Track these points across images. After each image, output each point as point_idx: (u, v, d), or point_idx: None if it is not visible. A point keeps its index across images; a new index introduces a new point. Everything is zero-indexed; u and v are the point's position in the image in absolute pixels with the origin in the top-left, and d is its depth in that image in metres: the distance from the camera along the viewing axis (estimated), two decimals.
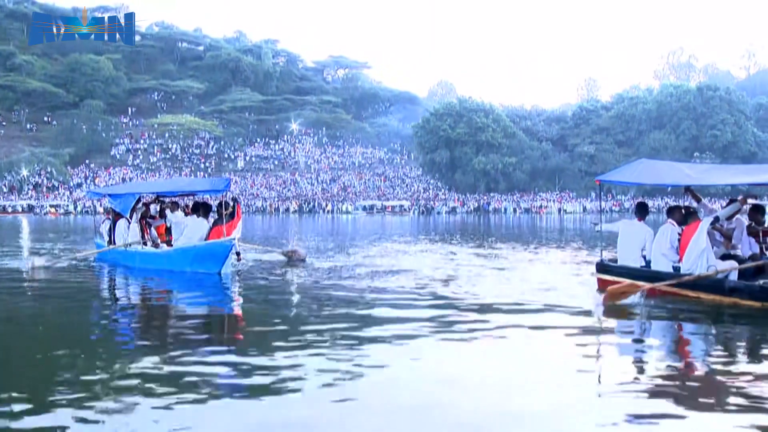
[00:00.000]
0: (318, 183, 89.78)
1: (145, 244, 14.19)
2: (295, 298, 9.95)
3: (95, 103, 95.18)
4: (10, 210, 73.34)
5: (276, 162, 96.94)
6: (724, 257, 8.88)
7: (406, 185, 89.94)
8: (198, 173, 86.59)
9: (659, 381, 5.20)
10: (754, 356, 6.18)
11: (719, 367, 5.69)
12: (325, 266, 13.84)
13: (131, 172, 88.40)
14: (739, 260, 8.75)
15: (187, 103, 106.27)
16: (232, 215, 12.92)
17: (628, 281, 8.84)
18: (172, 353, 6.14)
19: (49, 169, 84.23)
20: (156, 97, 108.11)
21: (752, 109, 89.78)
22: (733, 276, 8.34)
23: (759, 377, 5.27)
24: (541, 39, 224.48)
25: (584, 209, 77.01)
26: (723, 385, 5.11)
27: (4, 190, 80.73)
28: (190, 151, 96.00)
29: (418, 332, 6.91)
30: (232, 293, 10.97)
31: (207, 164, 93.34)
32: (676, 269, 8.95)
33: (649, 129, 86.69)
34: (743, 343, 6.76)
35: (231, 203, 13.28)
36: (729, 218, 9.15)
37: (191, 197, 17.58)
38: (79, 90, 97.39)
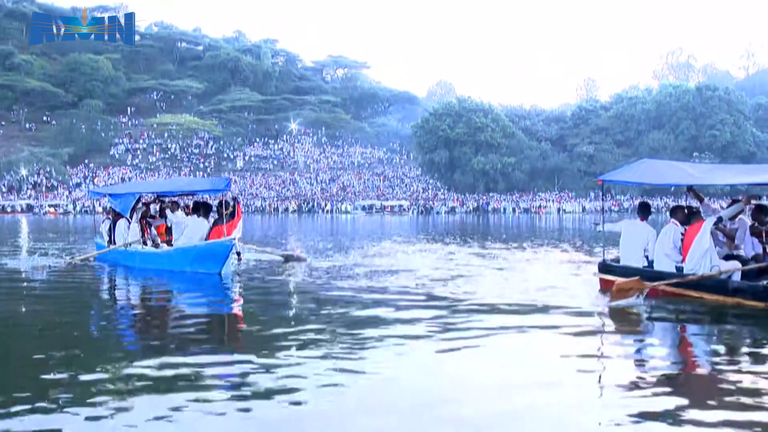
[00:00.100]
0: (317, 183, 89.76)
1: (145, 243, 14.18)
2: (295, 298, 9.95)
3: (94, 102, 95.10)
4: (9, 210, 73.28)
5: (275, 162, 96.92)
6: (727, 257, 8.85)
7: (405, 185, 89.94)
8: (197, 173, 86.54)
9: (661, 382, 5.18)
10: (758, 357, 6.15)
11: (722, 367, 5.67)
12: (325, 266, 13.84)
13: (130, 171, 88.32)
14: (742, 260, 8.73)
15: (186, 102, 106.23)
16: (232, 215, 12.91)
17: (635, 279, 8.85)
18: (172, 354, 6.13)
19: (48, 169, 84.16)
20: (155, 97, 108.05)
21: (751, 109, 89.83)
22: (737, 276, 8.32)
23: (763, 378, 5.25)
24: (540, 39, 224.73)
25: (583, 209, 77.02)
26: (726, 386, 5.09)
27: (3, 189, 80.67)
28: (189, 150, 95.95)
29: (418, 333, 6.90)
30: (232, 294, 10.95)
31: (206, 164, 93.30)
32: (679, 269, 8.93)
33: (648, 129, 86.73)
34: (747, 344, 6.72)
35: (231, 203, 13.27)
36: (732, 218, 9.13)
37: (191, 197, 17.57)
38: (78, 90, 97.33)
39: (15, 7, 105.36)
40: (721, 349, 6.55)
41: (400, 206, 79.10)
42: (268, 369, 5.45)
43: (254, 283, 11.71)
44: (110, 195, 15.66)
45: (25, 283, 12.13)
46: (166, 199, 14.95)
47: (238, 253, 12.41)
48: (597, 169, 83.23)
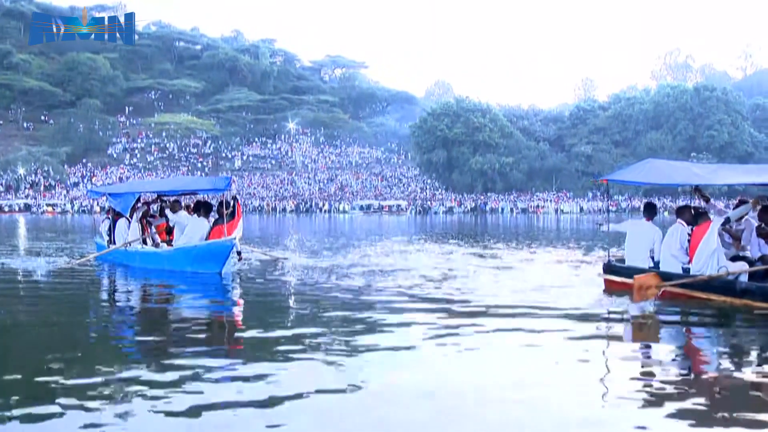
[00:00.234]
0: (315, 182, 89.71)
1: (145, 243, 14.16)
2: (295, 299, 9.91)
3: (92, 102, 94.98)
4: (6, 209, 73.13)
5: (273, 161, 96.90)
6: (734, 259, 8.79)
7: (403, 185, 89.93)
8: (195, 172, 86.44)
9: (668, 384, 5.13)
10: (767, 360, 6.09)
11: (730, 370, 5.65)
12: (323, 266, 13.83)
13: (128, 171, 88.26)
14: (749, 262, 8.68)
15: (184, 102, 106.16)
16: (232, 214, 12.88)
17: (652, 273, 8.74)
18: (171, 356, 6.10)
19: (46, 168, 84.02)
20: (153, 96, 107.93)
21: (749, 109, 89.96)
22: (744, 278, 8.26)
23: None
24: (538, 39, 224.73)
25: (581, 209, 77.06)
26: (734, 388, 5.05)
27: (1, 189, 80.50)
28: (187, 150, 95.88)
29: (417, 335, 6.85)
30: (232, 294, 10.90)
31: (204, 163, 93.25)
32: (686, 270, 8.86)
33: (646, 129, 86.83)
34: (756, 347, 6.67)
35: (231, 202, 13.24)
36: (738, 219, 9.08)
37: (191, 196, 17.54)
38: (77, 89, 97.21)
39: (13, 6, 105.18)
40: (729, 351, 6.48)
41: (398, 206, 79.10)
42: (267, 371, 5.42)
43: (254, 283, 11.68)
44: (110, 194, 15.60)
45: (23, 284, 12.09)
46: (170, 199, 14.87)
47: (239, 253, 12.35)
48: (595, 170, 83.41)
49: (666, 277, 8.79)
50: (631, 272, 9.40)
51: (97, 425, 4.21)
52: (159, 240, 14.53)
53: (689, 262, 8.81)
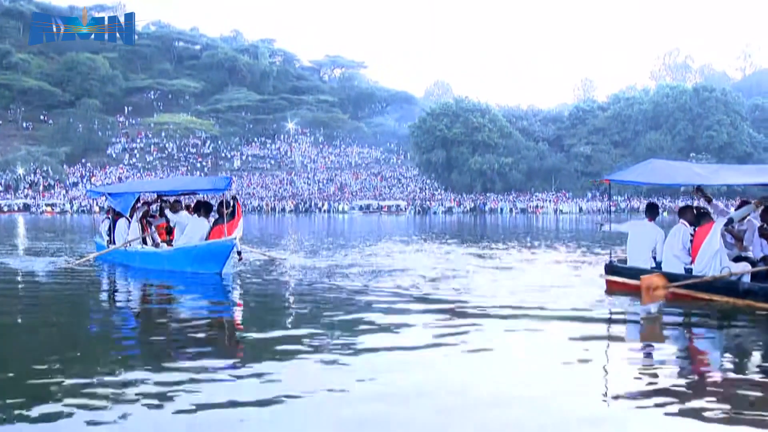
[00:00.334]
0: (314, 182, 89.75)
1: (145, 242, 14.14)
2: (294, 299, 9.88)
3: (92, 101, 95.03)
4: (6, 209, 73.15)
5: (272, 161, 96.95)
6: (736, 259, 8.77)
7: (403, 185, 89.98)
8: (194, 172, 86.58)
9: (670, 385, 5.12)
10: None
11: (734, 371, 5.64)
12: (323, 266, 13.81)
13: (127, 171, 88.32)
14: (751, 262, 8.66)
15: (183, 102, 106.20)
16: (232, 214, 12.84)
17: (658, 273, 8.70)
18: (171, 356, 6.10)
19: (45, 168, 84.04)
20: (152, 96, 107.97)
21: (748, 109, 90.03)
22: (746, 278, 8.24)
23: None
24: (537, 39, 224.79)
25: (580, 209, 77.14)
26: (737, 390, 5.03)
27: (0, 189, 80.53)
28: (187, 150, 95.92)
29: (417, 336, 6.83)
30: (232, 295, 10.85)
31: (203, 163, 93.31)
32: (688, 271, 8.82)
33: (646, 129, 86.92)
34: (759, 347, 6.65)
35: (231, 202, 13.19)
36: (741, 220, 9.06)
37: (191, 196, 17.52)
38: (76, 89, 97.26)
39: (12, 5, 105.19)
40: (732, 352, 6.46)
41: (397, 206, 79.16)
42: (267, 371, 5.41)
43: (254, 283, 11.64)
44: (110, 194, 15.53)
45: (22, 284, 12.07)
46: (170, 199, 14.84)
47: (239, 253, 12.32)
48: (594, 170, 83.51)
49: (670, 277, 8.76)
50: (633, 273, 9.36)
51: (97, 425, 4.21)
52: (159, 240, 14.50)
53: (692, 262, 8.77)
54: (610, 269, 9.99)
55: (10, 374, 5.47)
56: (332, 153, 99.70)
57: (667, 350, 6.63)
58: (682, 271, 8.91)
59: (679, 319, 7.87)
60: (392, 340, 6.68)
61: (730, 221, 8.71)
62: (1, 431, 4.12)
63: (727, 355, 6.39)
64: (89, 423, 4.26)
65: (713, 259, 8.36)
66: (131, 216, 14.31)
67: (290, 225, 42.06)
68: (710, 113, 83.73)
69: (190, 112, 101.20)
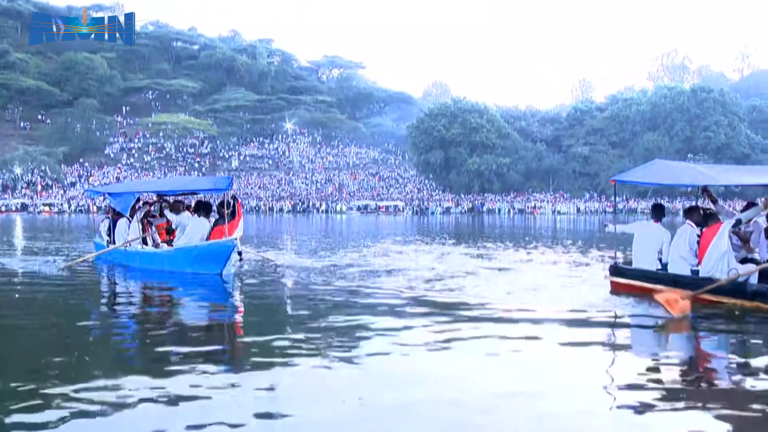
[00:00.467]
0: (312, 183, 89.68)
1: (145, 242, 14.13)
2: (294, 300, 9.86)
3: (89, 101, 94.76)
4: (3, 209, 72.94)
5: (270, 161, 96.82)
6: (743, 261, 8.72)
7: (401, 185, 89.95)
8: (192, 172, 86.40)
9: (677, 388, 5.12)
10: None
11: (742, 374, 5.63)
12: (321, 267, 13.79)
13: (125, 171, 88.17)
14: (758, 263, 8.61)
15: (181, 102, 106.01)
16: (232, 214, 12.83)
17: (668, 289, 8.46)
18: (171, 358, 6.09)
19: (42, 168, 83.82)
20: (150, 96, 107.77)
21: (746, 110, 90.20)
22: (754, 279, 8.19)
23: None
24: (535, 40, 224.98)
25: (578, 210, 77.21)
26: (745, 393, 5.01)
27: None
28: (185, 150, 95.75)
29: (417, 338, 6.81)
30: (232, 296, 10.84)
31: (201, 163, 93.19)
32: (695, 272, 8.75)
33: (643, 130, 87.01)
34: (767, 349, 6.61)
35: (231, 202, 13.18)
36: (748, 221, 8.98)
37: (191, 196, 17.51)
38: (74, 88, 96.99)
39: (9, 5, 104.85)
40: (740, 353, 6.40)
41: (395, 206, 79.15)
42: (267, 373, 5.43)
43: (254, 284, 11.61)
44: (109, 194, 15.49)
45: (20, 285, 12.03)
46: (171, 199, 14.82)
47: (240, 253, 12.31)
48: (592, 170, 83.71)
49: (677, 281, 8.66)
50: (638, 274, 9.32)
51: (96, 428, 4.22)
52: (159, 240, 14.48)
53: (698, 264, 8.70)
54: (615, 271, 9.93)
55: (7, 376, 5.43)
56: (330, 153, 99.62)
57: (674, 352, 6.62)
58: (689, 273, 8.82)
59: (687, 321, 7.79)
60: (391, 341, 6.67)
61: (739, 222, 8.62)
62: None
63: (733, 356, 6.36)
64: (88, 425, 4.27)
65: (720, 260, 8.27)
66: (131, 216, 14.29)
67: (288, 225, 42.00)
68: (708, 114, 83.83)
69: (188, 112, 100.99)
